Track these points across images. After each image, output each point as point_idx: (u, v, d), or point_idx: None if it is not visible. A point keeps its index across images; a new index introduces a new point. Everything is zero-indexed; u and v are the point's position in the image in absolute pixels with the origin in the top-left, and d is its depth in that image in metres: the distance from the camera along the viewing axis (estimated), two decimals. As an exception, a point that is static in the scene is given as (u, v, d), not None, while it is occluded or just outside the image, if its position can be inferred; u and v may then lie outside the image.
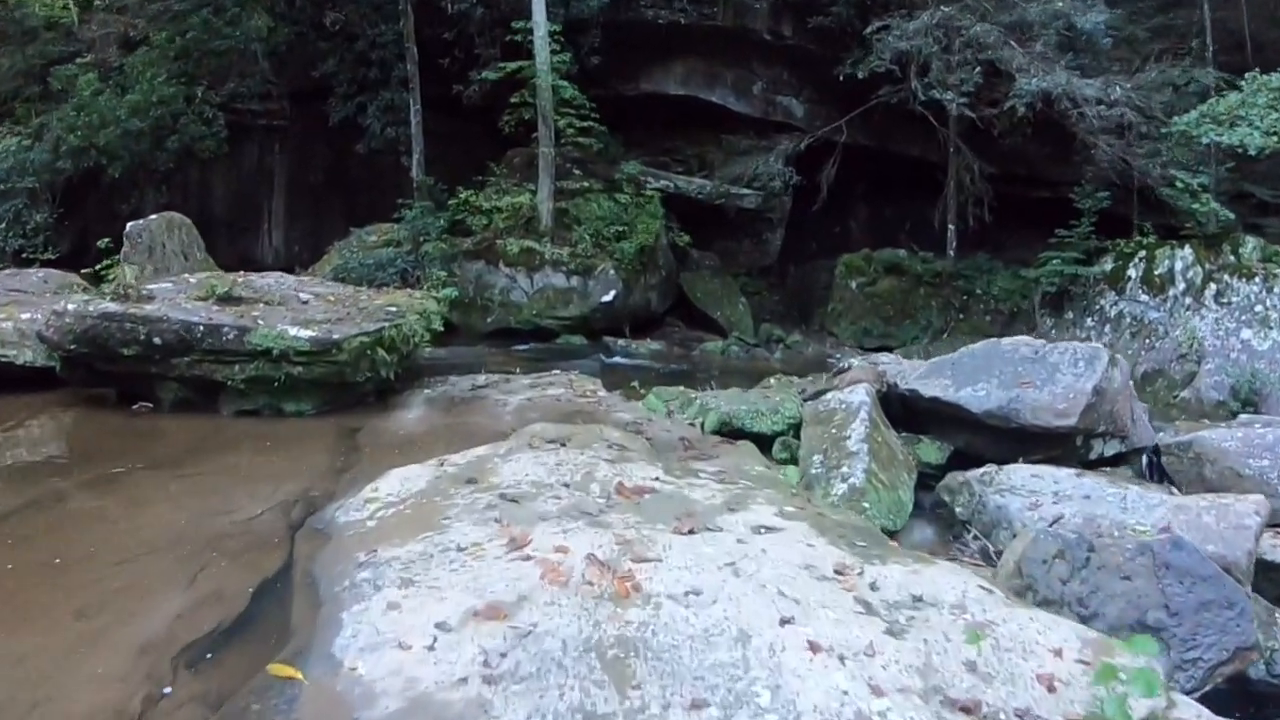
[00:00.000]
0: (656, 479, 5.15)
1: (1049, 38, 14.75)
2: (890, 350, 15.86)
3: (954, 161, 16.47)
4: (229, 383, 8.14)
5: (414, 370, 9.20)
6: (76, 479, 6.14)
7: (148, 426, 7.93)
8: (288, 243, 19.84)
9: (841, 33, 16.27)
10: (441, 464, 5.61)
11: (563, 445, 5.80)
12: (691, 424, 7.44)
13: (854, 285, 16.91)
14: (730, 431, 7.38)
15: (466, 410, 8.02)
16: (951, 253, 17.03)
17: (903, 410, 7.89)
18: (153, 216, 12.45)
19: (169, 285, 10.20)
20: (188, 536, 4.92)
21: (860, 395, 7.27)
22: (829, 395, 7.49)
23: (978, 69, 14.11)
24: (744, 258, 18.92)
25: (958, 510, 6.61)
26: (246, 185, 19.81)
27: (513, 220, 15.01)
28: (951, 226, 16.89)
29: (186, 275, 10.88)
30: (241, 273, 10.99)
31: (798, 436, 7.30)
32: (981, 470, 6.78)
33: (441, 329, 9.86)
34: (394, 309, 9.02)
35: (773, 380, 9.66)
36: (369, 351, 8.12)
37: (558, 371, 9.64)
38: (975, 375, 7.42)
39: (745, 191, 17.60)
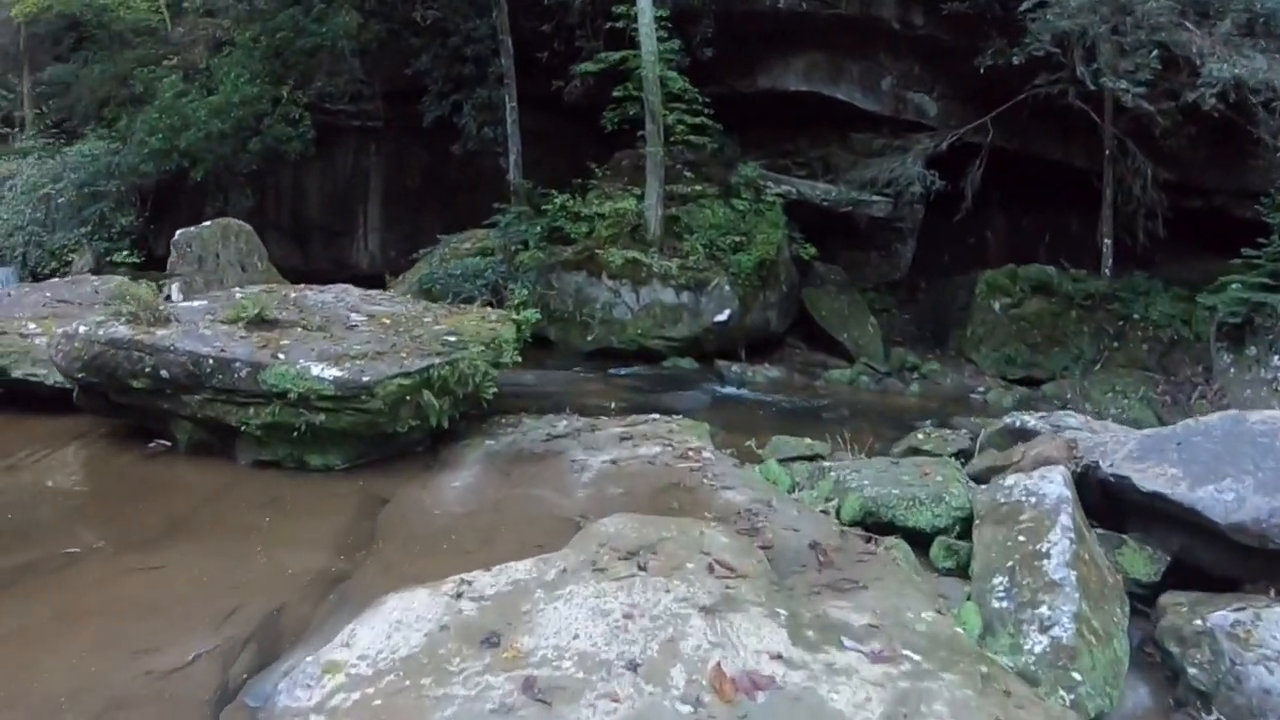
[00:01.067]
0: (779, 655, 3.11)
1: (1236, 17, 12.10)
2: (1038, 383, 13.60)
3: (1109, 166, 13.94)
4: (243, 428, 6.39)
5: (483, 407, 7.27)
6: (16, 560, 4.68)
7: (153, 475, 6.42)
8: (384, 248, 18.38)
9: (979, 20, 13.87)
10: (460, 593, 3.67)
11: (641, 568, 3.75)
12: (825, 511, 5.31)
13: (997, 306, 14.47)
14: (876, 524, 5.26)
15: (532, 475, 6.06)
16: (1107, 271, 14.46)
17: (1101, 498, 5.66)
18: (207, 223, 10.99)
19: (199, 304, 8.54)
20: (79, 700, 3.35)
21: (1057, 487, 5.09)
22: (1011, 481, 5.31)
23: (1154, 52, 11.57)
24: (871, 271, 16.63)
25: (1190, 671, 4.35)
26: (341, 188, 18.45)
27: (617, 228, 13.08)
28: (1108, 241, 14.35)
29: (235, 290, 9.23)
30: (296, 287, 9.32)
31: (965, 535, 5.15)
32: (1231, 614, 4.49)
33: (518, 359, 7.94)
34: (454, 338, 7.13)
35: (921, 434, 7.51)
36: (410, 396, 6.23)
37: (656, 417, 7.62)
38: (1217, 466, 5.10)
39: (875, 198, 15.34)
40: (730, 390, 11.16)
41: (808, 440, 7.51)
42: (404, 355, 6.53)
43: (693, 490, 5.48)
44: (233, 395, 6.43)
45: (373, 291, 9.38)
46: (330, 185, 18.51)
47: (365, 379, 6.06)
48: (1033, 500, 5.07)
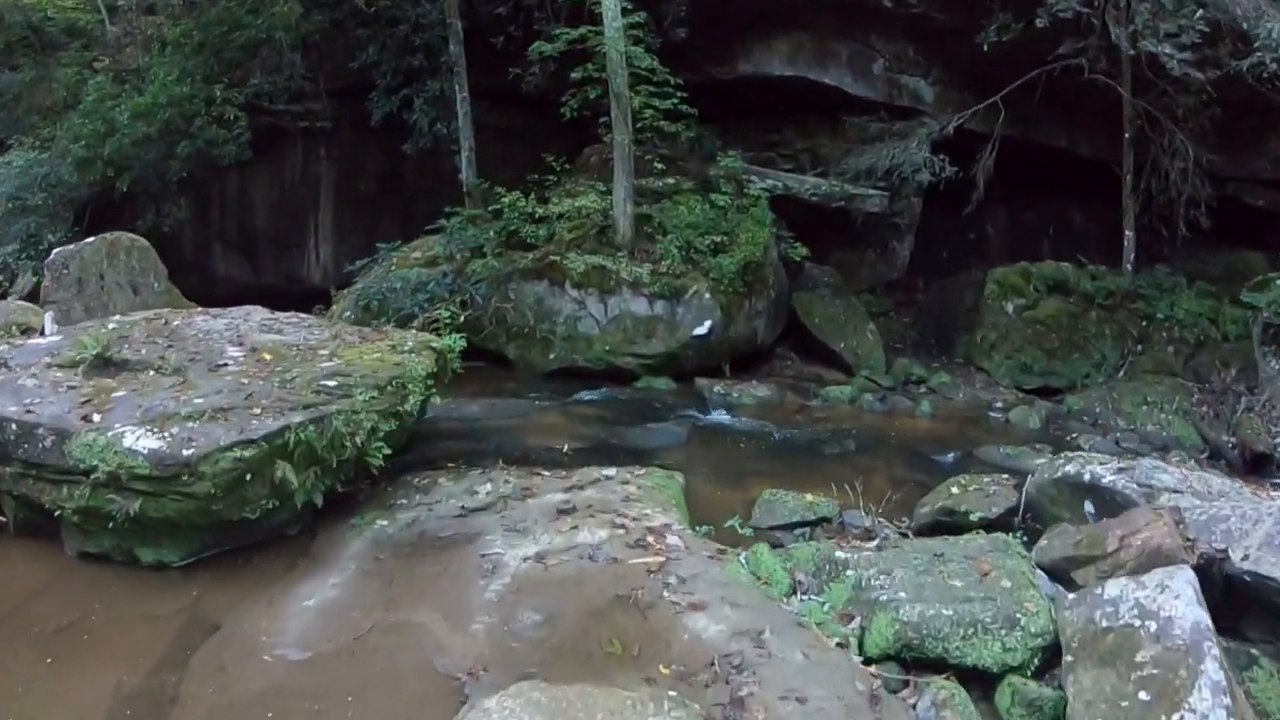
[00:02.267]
0: None
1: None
2: (1056, 392, 11.80)
3: (1129, 151, 12.10)
4: (58, 512, 4.61)
5: (373, 474, 5.44)
6: None
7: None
8: (337, 260, 16.31)
9: (976, -5, 12.04)
10: None
11: None
12: (842, 643, 3.48)
13: (1010, 308, 12.59)
14: (919, 660, 3.44)
15: (424, 582, 4.25)
16: (1129, 266, 12.66)
17: (1224, 595, 3.85)
18: (89, 239, 9.10)
19: (50, 341, 6.74)
20: None
21: (1190, 607, 3.39)
22: (1115, 592, 3.54)
23: (1199, 12, 9.75)
24: (866, 272, 14.78)
25: None
26: (289, 196, 16.44)
27: (580, 230, 11.22)
28: (1129, 234, 12.51)
29: (111, 320, 7.42)
30: (189, 312, 7.53)
31: (1047, 669, 3.34)
32: None
33: (431, 397, 6.11)
34: (337, 381, 5.28)
35: (955, 489, 5.77)
36: (256, 472, 4.37)
37: (612, 474, 5.82)
38: None
39: (870, 192, 13.50)
40: (713, 418, 9.27)
41: (809, 497, 5.72)
42: (256, 412, 4.70)
43: (646, 611, 3.66)
44: (41, 471, 4.67)
45: (283, 315, 7.53)
46: (278, 193, 16.51)
47: (187, 452, 4.23)
48: (1152, 628, 3.28)
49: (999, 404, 11.05)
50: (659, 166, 11.51)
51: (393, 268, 11.53)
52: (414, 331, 6.99)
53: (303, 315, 7.70)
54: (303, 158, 16.40)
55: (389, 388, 5.41)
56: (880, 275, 14.94)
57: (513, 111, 14.65)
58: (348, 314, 11.29)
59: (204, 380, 5.38)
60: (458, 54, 12.09)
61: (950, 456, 8.30)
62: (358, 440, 4.86)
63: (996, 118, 12.11)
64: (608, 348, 10.58)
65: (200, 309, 7.69)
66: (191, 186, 14.88)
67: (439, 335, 6.91)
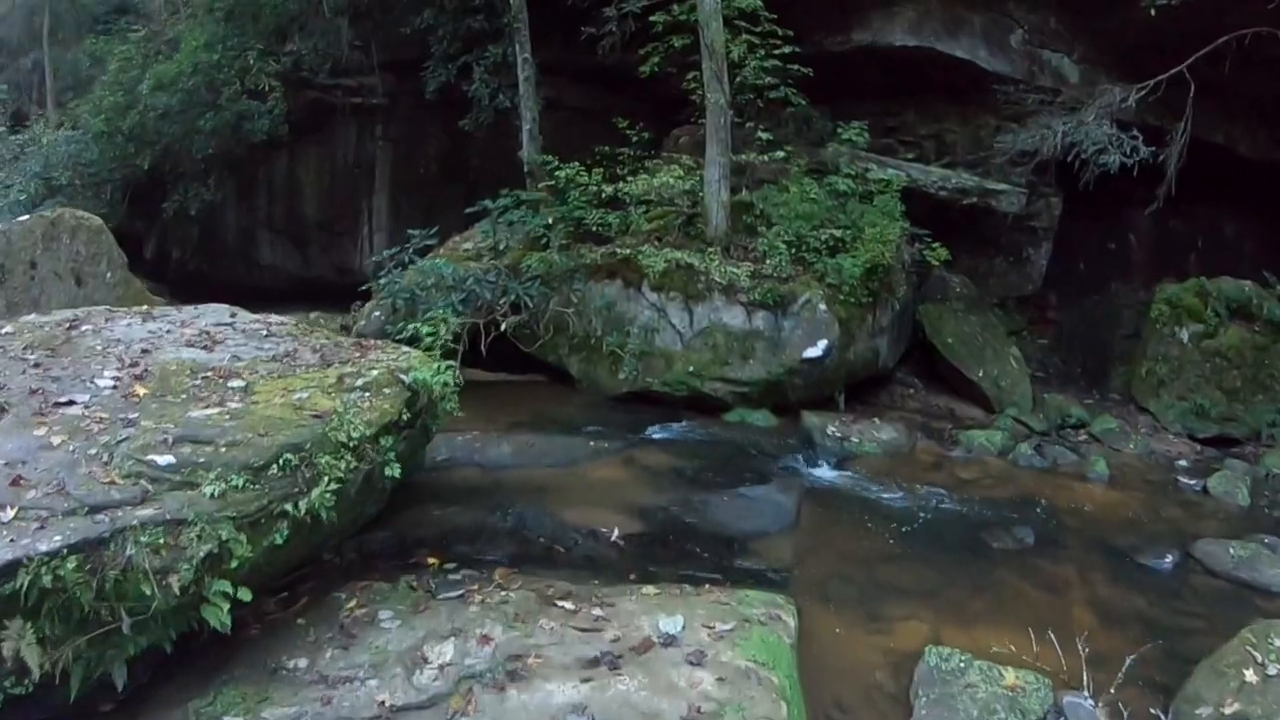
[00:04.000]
0: None
1: None
2: (1233, 441, 9.05)
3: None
4: None
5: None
6: None
7: None
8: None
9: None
10: None
11: None
12: None
13: (1184, 336, 9.70)
14: None
15: None
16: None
17: None
18: (21, 218, 6.93)
19: None
20: None
21: None
22: None
23: None
24: (995, 283, 11.99)
25: None
26: (341, 180, 14.28)
27: (663, 219, 8.69)
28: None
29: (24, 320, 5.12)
30: (99, 314, 5.15)
31: None
32: None
33: (395, 474, 3.62)
34: (175, 458, 2.80)
35: (1251, 675, 3.05)
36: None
37: (673, 629, 3.34)
38: None
39: (1005, 187, 10.84)
40: (827, 475, 6.58)
41: (1008, 677, 3.11)
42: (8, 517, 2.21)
43: None
44: None
45: (247, 319, 5.18)
46: (329, 176, 14.35)
47: None
48: None
49: (1183, 462, 8.32)
50: (764, 136, 8.85)
51: (436, 259, 9.07)
52: (405, 352, 4.50)
53: (276, 319, 5.28)
54: (356, 137, 14.28)
55: (274, 469, 2.92)
56: (1012, 287, 12.16)
57: (592, 90, 12.22)
58: (376, 315, 8.90)
59: (5, 436, 2.92)
60: (519, 7, 9.57)
61: (1167, 561, 5.67)
62: (178, 579, 2.36)
63: (1185, 96, 9.21)
64: (691, 369, 8.01)
65: (143, 309, 5.31)
66: (226, 166, 12.84)
67: (453, 351, 4.43)
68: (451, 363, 4.45)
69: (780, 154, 8.75)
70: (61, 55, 17.16)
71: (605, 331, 8.41)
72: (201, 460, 2.85)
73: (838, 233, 8.19)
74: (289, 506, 2.93)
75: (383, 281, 8.33)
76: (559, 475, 5.79)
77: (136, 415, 3.19)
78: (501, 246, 8.54)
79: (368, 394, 3.62)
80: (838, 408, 8.11)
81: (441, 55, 11.58)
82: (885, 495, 6.24)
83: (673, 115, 10.97)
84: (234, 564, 2.68)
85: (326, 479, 3.02)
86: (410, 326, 6.35)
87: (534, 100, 9.71)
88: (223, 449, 2.92)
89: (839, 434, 7.41)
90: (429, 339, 5.64)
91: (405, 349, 4.52)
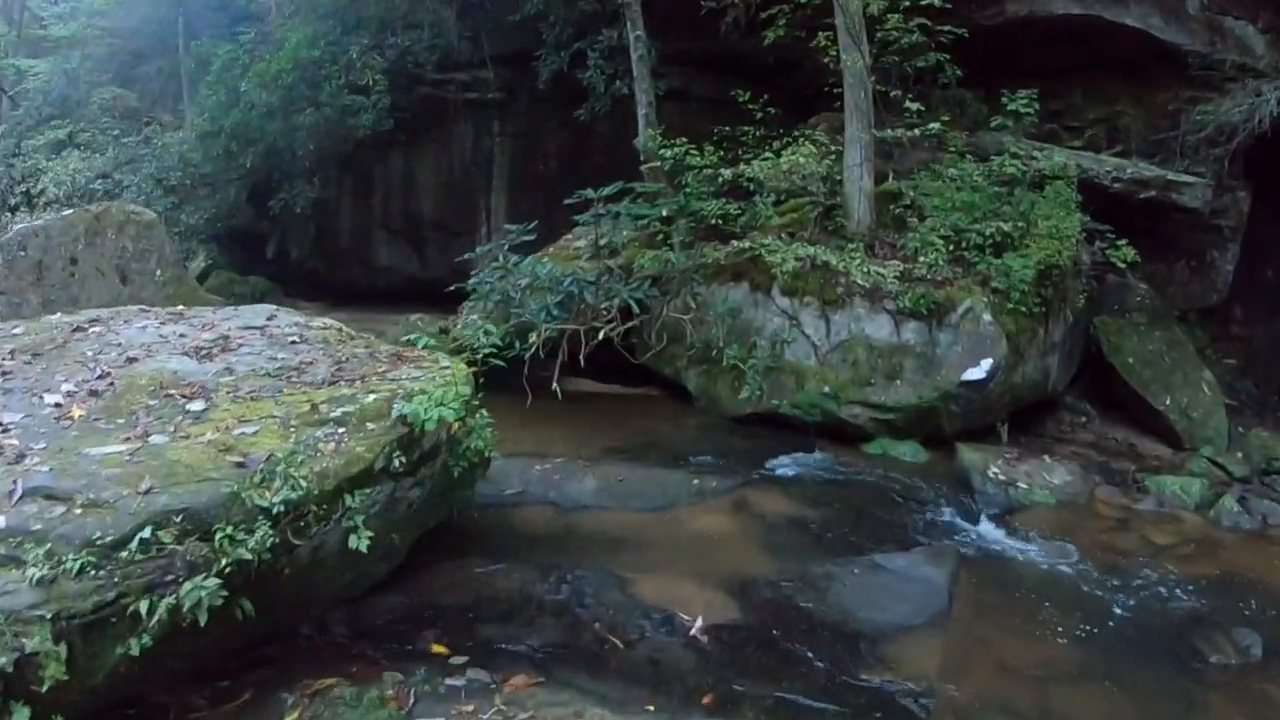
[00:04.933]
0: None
1: None
2: None
3: None
4: None
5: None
6: None
7: None
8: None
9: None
10: None
11: None
12: None
13: None
14: None
15: None
16: None
17: None
18: (64, 213, 6.15)
19: None
20: None
21: None
22: None
23: None
24: (1175, 291, 10.21)
25: None
26: (458, 178, 13.55)
27: (797, 211, 7.40)
28: None
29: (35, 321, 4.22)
30: (119, 314, 4.19)
31: None
32: None
33: (360, 550, 2.46)
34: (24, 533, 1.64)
35: None
36: None
37: None
38: None
39: (1190, 179, 9.17)
40: (989, 536, 5.12)
41: None
42: None
43: None
44: None
45: (284, 321, 4.19)
46: (445, 174, 13.64)
47: None
48: None
49: None
50: (913, 106, 7.44)
51: (541, 258, 7.98)
52: (446, 367, 3.36)
53: (320, 323, 4.25)
54: (472, 134, 13.53)
55: (133, 547, 1.83)
56: (1194, 297, 10.37)
57: (720, 79, 11.03)
58: (473, 318, 7.86)
59: None
60: (631, -20, 8.43)
61: None
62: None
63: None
64: (827, 389, 6.67)
65: (175, 310, 4.37)
66: (337, 164, 12.13)
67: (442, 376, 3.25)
68: (466, 391, 3.26)
69: (936, 126, 7.28)
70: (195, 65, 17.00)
71: (727, 342, 7.16)
72: (37, 528, 1.81)
73: (1005, 225, 6.72)
74: (145, 605, 1.83)
75: (473, 283, 7.28)
76: (646, 524, 4.60)
77: (40, 445, 2.17)
78: (610, 243, 7.38)
79: (342, 429, 2.54)
80: (999, 440, 6.66)
81: (554, 42, 10.60)
82: (1063, 568, 4.80)
83: (807, 110, 9.72)
84: (44, 687, 1.62)
85: (219, 563, 1.92)
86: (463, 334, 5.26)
87: (649, 82, 8.58)
88: (77, 510, 1.88)
89: (1003, 476, 5.96)
90: (475, 348, 4.50)
91: (447, 364, 3.41)
